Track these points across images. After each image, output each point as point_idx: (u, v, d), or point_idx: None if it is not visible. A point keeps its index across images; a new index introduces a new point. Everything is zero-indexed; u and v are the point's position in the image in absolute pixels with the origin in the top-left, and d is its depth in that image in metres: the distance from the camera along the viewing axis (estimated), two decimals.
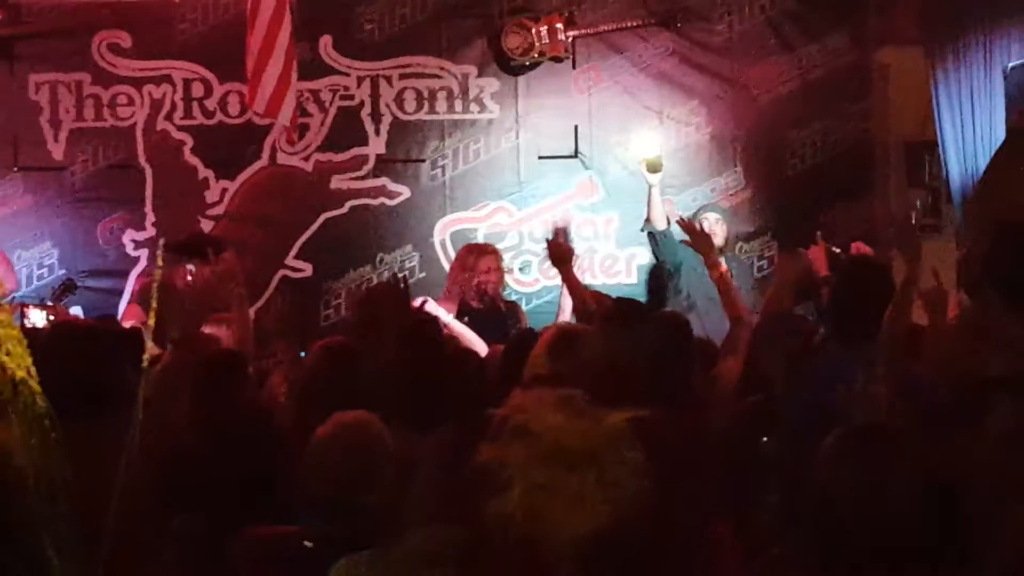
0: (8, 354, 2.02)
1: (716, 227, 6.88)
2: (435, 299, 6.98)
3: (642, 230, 7.42)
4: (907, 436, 2.73)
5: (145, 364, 2.21)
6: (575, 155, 8.12)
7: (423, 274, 8.06)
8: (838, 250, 6.74)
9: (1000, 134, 7.31)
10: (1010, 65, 7.31)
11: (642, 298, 6.99)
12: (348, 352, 4.51)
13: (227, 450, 3.53)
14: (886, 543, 2.48)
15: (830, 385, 3.91)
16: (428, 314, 5.41)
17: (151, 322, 2.30)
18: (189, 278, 6.86)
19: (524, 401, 2.26)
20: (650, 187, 7.27)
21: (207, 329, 5.35)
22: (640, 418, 2.20)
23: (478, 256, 6.94)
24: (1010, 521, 2.60)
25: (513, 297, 7.66)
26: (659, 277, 7.57)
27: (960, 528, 2.63)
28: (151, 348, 2.24)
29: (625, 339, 4.13)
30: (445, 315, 6.34)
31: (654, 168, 7.29)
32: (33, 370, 2.05)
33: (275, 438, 3.55)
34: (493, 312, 6.80)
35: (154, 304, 2.30)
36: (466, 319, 6.63)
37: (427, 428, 3.38)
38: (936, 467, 2.66)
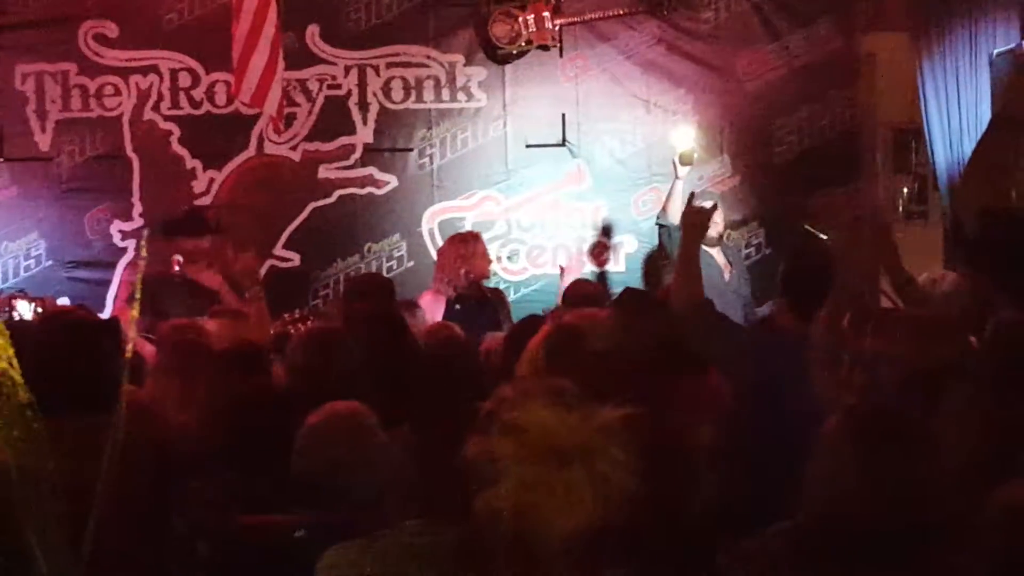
0: None
1: (715, 214, 6.89)
2: (423, 289, 7.00)
3: (657, 221, 7.43)
4: (911, 419, 2.70)
5: (128, 356, 2.20)
6: (563, 143, 8.11)
7: (411, 263, 8.05)
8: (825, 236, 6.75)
9: (986, 120, 7.32)
10: (995, 52, 7.32)
11: (636, 285, 7.02)
12: (335, 338, 4.49)
13: (248, 437, 3.55)
14: (883, 526, 2.46)
15: (782, 364, 3.91)
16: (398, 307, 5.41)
17: (135, 314, 2.29)
18: (177, 268, 6.87)
19: (511, 394, 2.24)
20: (675, 180, 7.29)
21: (209, 323, 5.34)
22: (634, 415, 2.18)
23: (475, 243, 6.95)
24: (990, 501, 2.61)
25: (501, 286, 7.67)
26: (655, 264, 7.61)
27: (942, 508, 2.63)
28: (134, 340, 2.23)
29: (640, 326, 4.06)
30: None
31: (687, 161, 7.33)
32: (15, 361, 2.05)
33: (291, 426, 3.54)
34: (482, 299, 6.82)
35: (138, 296, 2.29)
36: (457, 307, 6.64)
37: (404, 419, 3.38)
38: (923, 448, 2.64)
